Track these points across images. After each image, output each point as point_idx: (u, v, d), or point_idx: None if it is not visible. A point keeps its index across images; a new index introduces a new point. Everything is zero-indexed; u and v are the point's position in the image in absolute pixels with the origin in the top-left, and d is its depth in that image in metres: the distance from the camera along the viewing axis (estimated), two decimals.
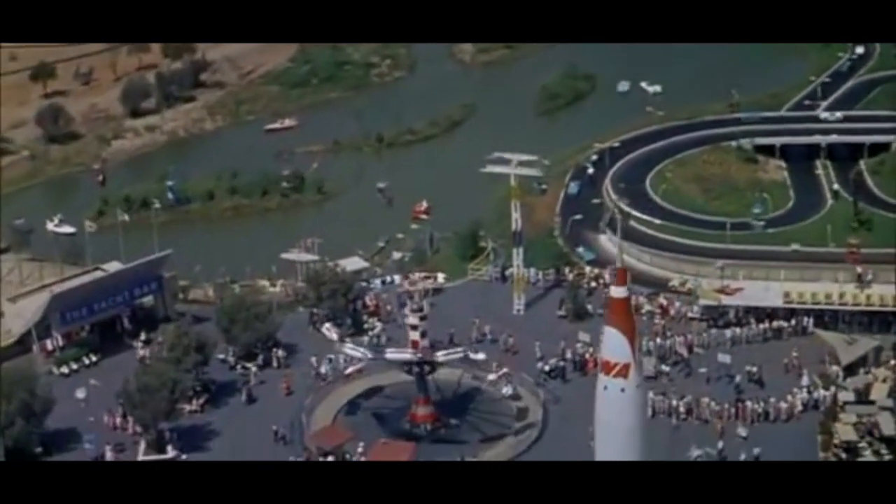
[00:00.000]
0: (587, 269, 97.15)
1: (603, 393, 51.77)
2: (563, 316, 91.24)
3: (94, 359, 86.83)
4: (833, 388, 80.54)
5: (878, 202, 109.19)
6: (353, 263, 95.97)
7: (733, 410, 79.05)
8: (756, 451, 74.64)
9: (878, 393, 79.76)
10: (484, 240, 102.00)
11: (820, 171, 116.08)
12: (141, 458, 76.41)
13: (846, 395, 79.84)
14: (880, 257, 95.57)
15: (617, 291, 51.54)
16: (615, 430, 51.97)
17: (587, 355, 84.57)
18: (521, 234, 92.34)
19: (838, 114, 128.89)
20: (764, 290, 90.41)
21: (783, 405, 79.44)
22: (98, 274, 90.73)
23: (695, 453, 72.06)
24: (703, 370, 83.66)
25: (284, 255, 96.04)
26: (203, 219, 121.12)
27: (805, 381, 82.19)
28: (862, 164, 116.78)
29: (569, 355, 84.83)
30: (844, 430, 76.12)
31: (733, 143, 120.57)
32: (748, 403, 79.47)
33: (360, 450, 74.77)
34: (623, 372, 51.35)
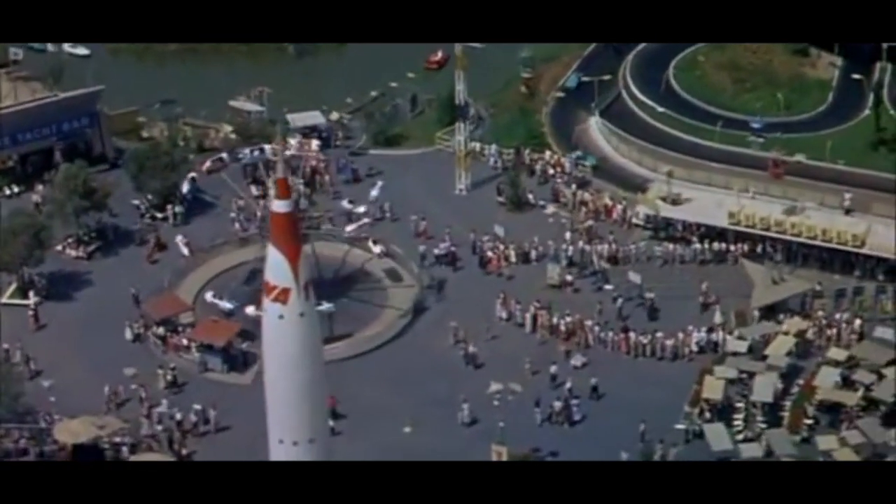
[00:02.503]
0: (547, 154, 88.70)
1: (265, 315, 46.48)
2: (501, 203, 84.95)
3: (15, 189, 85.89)
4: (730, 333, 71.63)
5: None
6: (308, 118, 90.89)
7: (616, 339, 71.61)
8: (593, 381, 67.81)
9: (777, 349, 69.68)
10: (471, 106, 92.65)
11: (877, 76, 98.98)
12: (4, 300, 76.30)
13: (737, 345, 70.67)
14: (881, 183, 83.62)
15: (278, 206, 45.02)
16: (275, 357, 46.55)
17: (491, 252, 78.40)
18: (467, 106, 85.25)
19: None
20: (716, 205, 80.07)
21: (669, 342, 71.19)
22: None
23: (493, 388, 65.78)
24: (609, 287, 76.40)
25: (232, 103, 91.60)
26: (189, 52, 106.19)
27: (717, 318, 73.62)
28: None
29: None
30: (711, 387, 67.07)
31: None
32: (631, 334, 72.17)
33: (188, 320, 72.69)
34: (282, 297, 45.20)
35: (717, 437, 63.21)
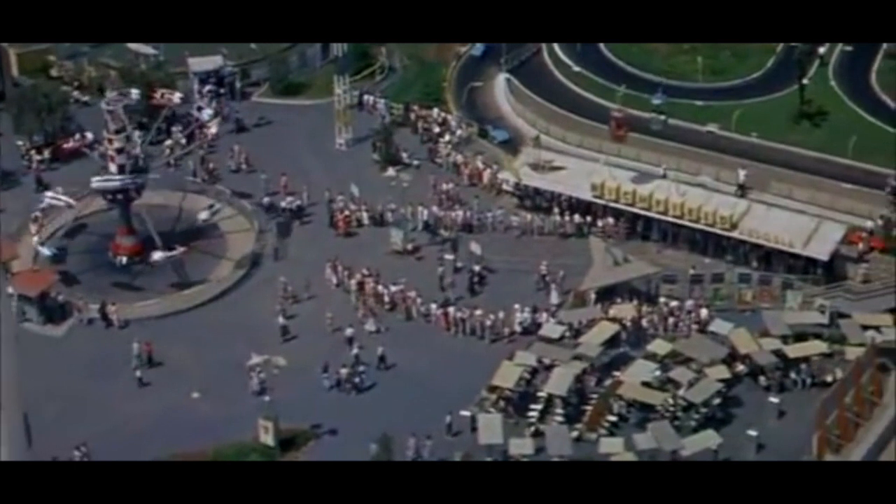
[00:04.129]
0: (434, 111, 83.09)
1: None
2: (376, 161, 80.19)
3: None
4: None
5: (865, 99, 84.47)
6: (207, 63, 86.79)
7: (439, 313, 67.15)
8: (380, 349, 63.73)
9: (594, 337, 64.08)
10: (385, 56, 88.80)
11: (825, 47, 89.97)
12: None
13: (552, 329, 65.20)
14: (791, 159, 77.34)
15: None
16: None
17: (341, 212, 74.08)
18: (345, 59, 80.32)
19: None
20: (587, 175, 73.85)
21: (488, 321, 66.15)
22: None
23: (254, 360, 61.62)
24: (450, 256, 71.51)
25: (130, 45, 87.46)
26: None
27: (554, 298, 68.51)
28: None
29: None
30: (505, 374, 61.79)
31: None
32: (451, 310, 67.31)
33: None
34: None
35: (488, 429, 58.28)
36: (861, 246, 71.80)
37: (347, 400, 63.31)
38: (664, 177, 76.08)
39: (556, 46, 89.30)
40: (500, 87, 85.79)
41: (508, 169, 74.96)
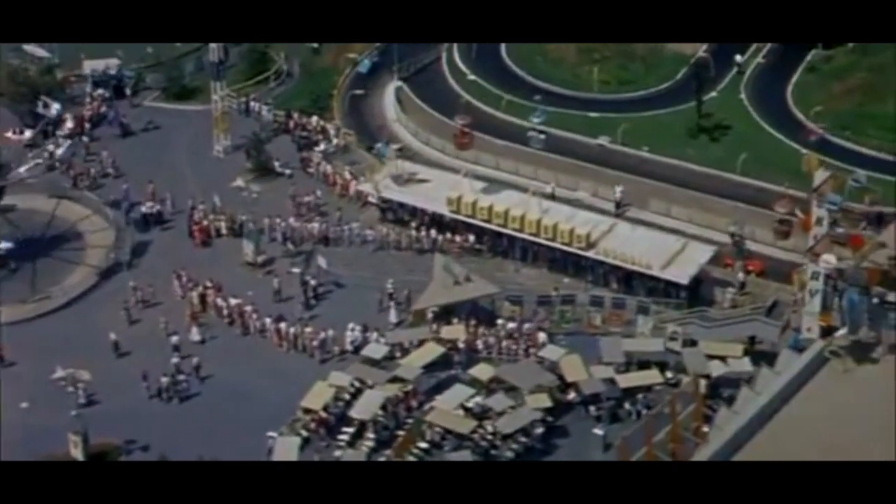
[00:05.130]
0: (314, 119, 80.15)
1: None
2: (249, 169, 77.35)
3: None
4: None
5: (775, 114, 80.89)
6: (101, 65, 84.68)
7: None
8: (195, 360, 61.40)
9: (415, 358, 60.83)
10: (283, 62, 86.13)
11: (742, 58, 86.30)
12: None
13: (375, 350, 62.06)
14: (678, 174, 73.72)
15: None
16: None
17: (199, 222, 71.70)
18: (222, 66, 77.73)
19: None
20: (450, 188, 70.34)
21: (317, 339, 63.17)
22: None
23: (58, 374, 59.72)
24: (296, 270, 68.93)
25: (25, 46, 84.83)
26: None
27: (393, 317, 65.59)
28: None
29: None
30: (316, 395, 58.97)
31: None
32: (282, 325, 64.74)
33: None
34: None
35: (284, 452, 55.62)
36: (734, 268, 68.83)
37: (167, 411, 61.07)
38: (553, 195, 73.85)
39: (455, 53, 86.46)
40: (390, 96, 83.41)
41: (369, 181, 72.45)
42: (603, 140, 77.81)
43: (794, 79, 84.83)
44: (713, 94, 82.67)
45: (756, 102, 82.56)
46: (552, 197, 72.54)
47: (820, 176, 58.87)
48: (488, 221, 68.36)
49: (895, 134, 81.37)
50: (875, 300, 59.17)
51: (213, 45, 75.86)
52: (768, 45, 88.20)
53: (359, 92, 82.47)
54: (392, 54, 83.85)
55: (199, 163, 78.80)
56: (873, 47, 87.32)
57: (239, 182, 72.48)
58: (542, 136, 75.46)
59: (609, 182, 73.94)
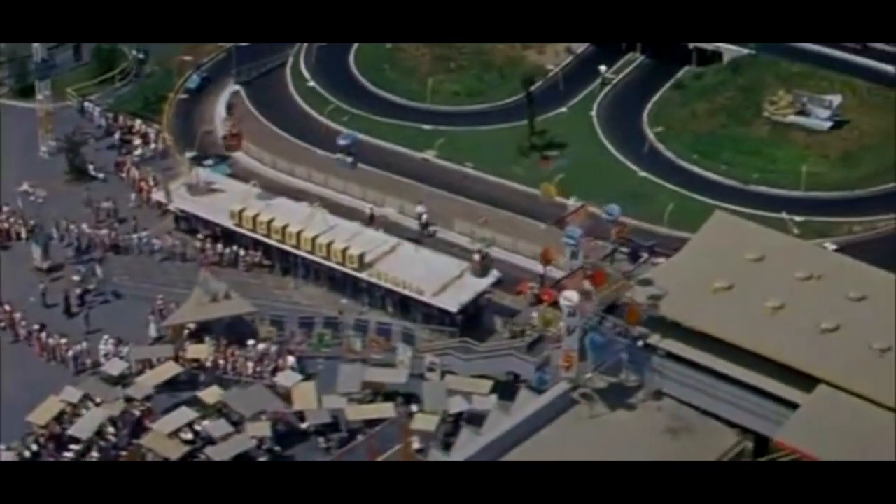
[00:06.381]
0: (151, 130, 77.76)
1: None
2: (67, 172, 75.01)
3: None
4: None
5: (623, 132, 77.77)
6: None
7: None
8: None
9: (150, 377, 58.99)
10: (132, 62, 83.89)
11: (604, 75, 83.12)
12: None
13: (114, 366, 60.02)
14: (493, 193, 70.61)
15: None
16: None
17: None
18: (49, 63, 76.12)
19: None
20: (241, 201, 67.79)
21: (72, 351, 61.49)
22: None
23: None
24: (76, 277, 67.08)
25: None
26: None
27: (152, 331, 63.20)
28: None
29: None
30: (45, 409, 57.31)
31: None
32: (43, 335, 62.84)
33: None
34: None
35: None
36: (527, 296, 65.80)
37: None
38: (372, 216, 70.82)
39: (301, 59, 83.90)
40: (223, 100, 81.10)
41: (162, 189, 70.48)
42: (429, 154, 75.32)
43: (657, 96, 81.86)
44: (563, 109, 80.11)
45: (607, 120, 79.39)
46: (371, 218, 70.45)
47: (571, 206, 56.59)
48: (268, 236, 66.42)
49: (756, 158, 78.55)
50: (639, 342, 56.85)
51: (35, 46, 74.86)
52: (640, 58, 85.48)
53: (183, 96, 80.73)
54: (233, 58, 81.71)
55: (24, 163, 76.68)
56: (746, 65, 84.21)
57: (25, 186, 71.05)
58: (349, 160, 72.24)
59: (420, 199, 71.28)
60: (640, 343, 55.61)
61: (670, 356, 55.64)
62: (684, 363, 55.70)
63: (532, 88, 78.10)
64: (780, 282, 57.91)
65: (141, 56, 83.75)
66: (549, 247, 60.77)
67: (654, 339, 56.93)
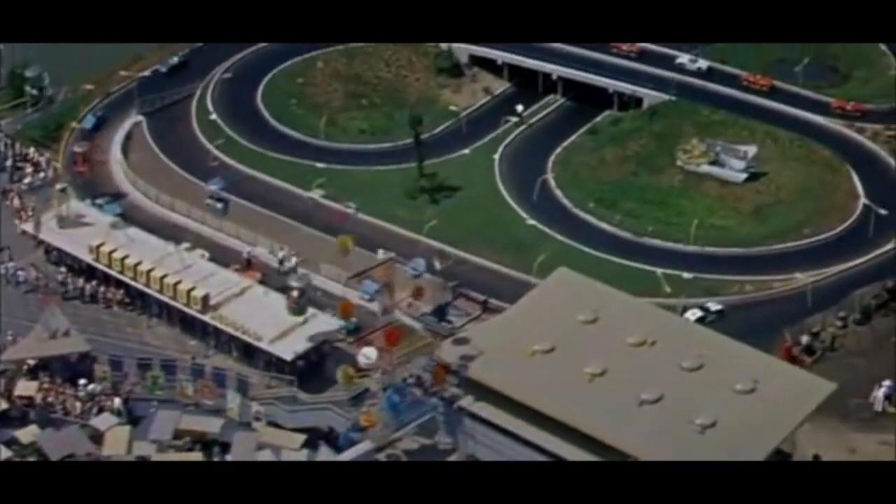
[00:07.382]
0: (43, 158, 76.87)
1: None
2: None
3: None
4: None
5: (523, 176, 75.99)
6: None
7: None
8: None
9: None
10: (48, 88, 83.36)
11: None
12: None
13: None
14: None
15: None
16: None
17: None
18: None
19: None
20: (105, 235, 66.56)
21: None
22: None
23: None
24: None
25: None
26: None
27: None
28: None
29: None
30: None
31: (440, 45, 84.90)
32: None
33: None
34: None
35: None
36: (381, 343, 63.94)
37: None
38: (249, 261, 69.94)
39: (210, 91, 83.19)
40: (122, 131, 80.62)
41: (34, 219, 69.38)
42: (315, 193, 74.33)
43: (567, 141, 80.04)
44: (465, 151, 78.68)
45: (509, 164, 77.88)
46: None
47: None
48: (122, 273, 65.70)
49: (659, 209, 76.01)
50: (454, 405, 54.86)
51: None
52: (561, 100, 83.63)
53: (75, 125, 79.88)
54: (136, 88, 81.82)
55: None
56: (665, 111, 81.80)
57: None
58: (220, 206, 71.52)
59: (295, 241, 70.27)
60: (455, 405, 54.10)
61: (480, 420, 54.16)
62: (495, 428, 54.21)
63: (421, 129, 76.74)
64: (609, 346, 55.97)
65: (35, 93, 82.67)
66: (347, 303, 59.04)
67: (467, 401, 55.45)
